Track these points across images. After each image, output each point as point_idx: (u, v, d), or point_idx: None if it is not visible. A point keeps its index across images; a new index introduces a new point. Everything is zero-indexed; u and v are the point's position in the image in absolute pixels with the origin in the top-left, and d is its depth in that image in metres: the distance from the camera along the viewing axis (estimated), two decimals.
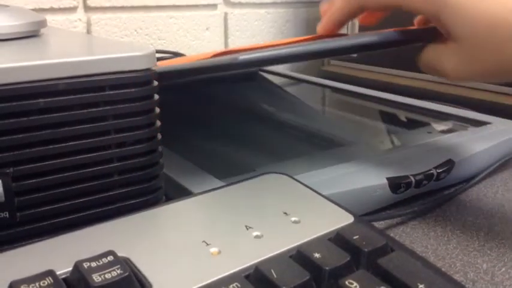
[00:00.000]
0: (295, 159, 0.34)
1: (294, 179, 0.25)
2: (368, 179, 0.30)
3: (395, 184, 0.30)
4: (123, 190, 0.24)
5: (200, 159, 0.32)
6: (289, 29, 0.77)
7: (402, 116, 0.47)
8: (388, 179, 0.30)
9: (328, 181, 0.29)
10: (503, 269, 0.24)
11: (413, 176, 0.30)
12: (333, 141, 0.39)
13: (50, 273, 0.16)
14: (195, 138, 0.39)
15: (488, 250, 0.26)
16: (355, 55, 0.69)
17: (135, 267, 0.17)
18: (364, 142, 0.39)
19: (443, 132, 0.40)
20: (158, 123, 0.25)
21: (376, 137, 0.40)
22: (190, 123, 0.43)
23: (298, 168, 0.30)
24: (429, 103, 0.48)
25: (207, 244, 0.19)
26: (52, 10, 0.58)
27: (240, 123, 0.43)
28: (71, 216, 0.23)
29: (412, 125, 0.44)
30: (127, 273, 0.16)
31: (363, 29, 0.67)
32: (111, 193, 0.24)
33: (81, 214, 0.23)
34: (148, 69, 0.24)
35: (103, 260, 0.17)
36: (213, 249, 0.18)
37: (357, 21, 0.68)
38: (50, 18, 0.56)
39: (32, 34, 0.29)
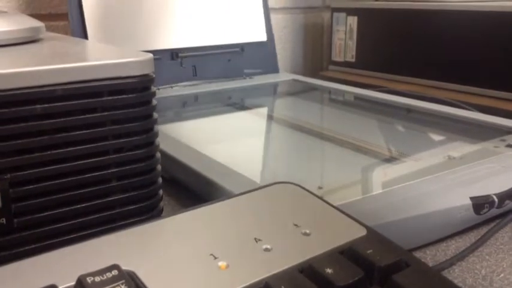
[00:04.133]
0: (359, 174, 0.31)
1: (304, 189, 0.24)
2: (451, 200, 0.27)
3: (479, 205, 0.28)
4: (121, 196, 0.24)
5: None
6: (287, 35, 0.77)
7: (458, 126, 0.43)
8: (472, 199, 0.28)
9: (408, 201, 0.27)
10: (502, 275, 0.24)
11: (496, 195, 0.28)
12: (396, 154, 0.36)
13: None
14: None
15: (486, 255, 0.26)
16: (353, 60, 0.69)
17: (140, 281, 0.17)
18: (431, 155, 0.35)
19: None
20: (156, 129, 0.25)
21: (438, 149, 0.36)
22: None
23: (368, 185, 0.28)
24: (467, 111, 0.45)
25: (215, 257, 0.18)
26: (50, 16, 0.58)
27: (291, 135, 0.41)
28: (68, 222, 0.23)
29: (468, 137, 0.39)
30: None
31: (361, 36, 0.68)
32: (109, 199, 0.24)
33: (79, 220, 0.23)
34: (146, 75, 0.24)
35: (107, 274, 0.16)
36: (221, 263, 0.18)
37: (355, 28, 0.68)
38: (48, 24, 0.56)
39: (30, 40, 0.29)
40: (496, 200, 0.28)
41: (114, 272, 0.17)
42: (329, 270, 0.17)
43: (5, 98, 0.20)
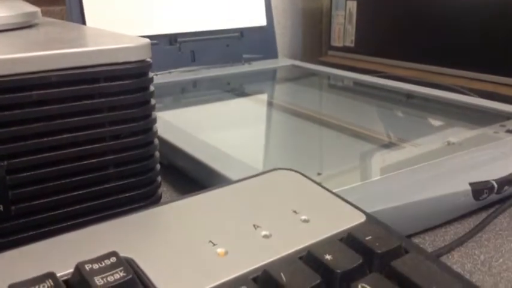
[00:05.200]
0: (358, 160, 0.31)
1: (303, 175, 0.24)
2: (451, 185, 0.27)
3: (478, 190, 0.28)
4: (119, 183, 0.24)
5: None
6: (286, 20, 0.77)
7: (458, 112, 0.42)
8: (471, 184, 0.28)
9: (408, 187, 0.27)
10: (501, 260, 0.24)
11: (495, 180, 0.28)
12: (395, 139, 0.35)
13: (50, 275, 0.16)
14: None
15: (485, 241, 0.26)
16: (352, 45, 0.69)
17: (139, 268, 0.17)
18: (430, 141, 0.35)
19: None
20: (154, 115, 0.25)
21: (437, 135, 0.36)
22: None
23: (367, 171, 0.28)
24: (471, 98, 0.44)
25: (214, 244, 0.18)
26: (46, 1, 0.57)
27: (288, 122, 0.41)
28: (66, 209, 0.23)
29: (468, 122, 0.39)
30: (130, 276, 0.16)
31: (360, 20, 0.67)
32: (106, 186, 0.24)
33: (77, 207, 0.23)
34: (143, 61, 0.24)
35: (105, 261, 0.16)
36: (220, 250, 0.18)
37: (354, 13, 0.68)
38: (44, 9, 0.56)
39: (25, 25, 0.29)
40: (495, 185, 0.28)
41: (113, 259, 0.16)
42: (328, 257, 0.17)
43: (0, 84, 0.20)
